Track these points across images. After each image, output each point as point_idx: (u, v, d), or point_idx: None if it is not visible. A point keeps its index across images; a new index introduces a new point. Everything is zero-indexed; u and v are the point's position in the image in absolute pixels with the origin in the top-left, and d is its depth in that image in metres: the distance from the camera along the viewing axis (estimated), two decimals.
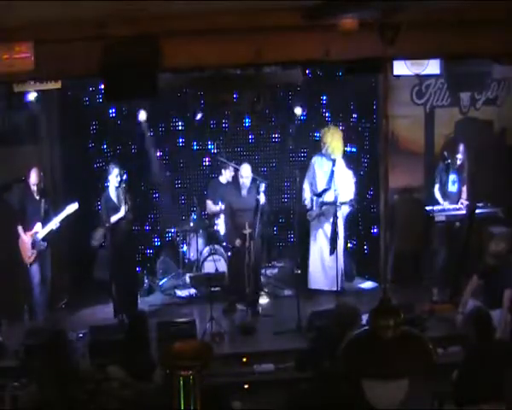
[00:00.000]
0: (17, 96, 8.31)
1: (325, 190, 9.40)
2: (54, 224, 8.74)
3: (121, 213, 8.80)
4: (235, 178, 9.49)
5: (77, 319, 9.14)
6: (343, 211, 9.47)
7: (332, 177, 9.39)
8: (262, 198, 8.87)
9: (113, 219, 8.81)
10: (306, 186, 9.56)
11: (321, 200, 9.43)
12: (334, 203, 9.27)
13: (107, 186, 9.00)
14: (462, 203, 9.21)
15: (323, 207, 9.40)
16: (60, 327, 7.43)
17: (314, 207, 9.48)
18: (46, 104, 9.24)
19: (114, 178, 8.87)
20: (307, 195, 9.54)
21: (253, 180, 9.16)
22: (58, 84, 7.96)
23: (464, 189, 9.28)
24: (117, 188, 8.89)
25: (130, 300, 9.04)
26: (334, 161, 9.42)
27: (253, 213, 8.83)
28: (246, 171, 9.04)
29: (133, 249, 9.63)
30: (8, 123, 9.06)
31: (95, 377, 5.22)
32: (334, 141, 9.42)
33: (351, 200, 9.41)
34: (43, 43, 6.29)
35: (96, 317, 9.11)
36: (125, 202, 8.79)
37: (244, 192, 9.04)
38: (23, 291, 8.92)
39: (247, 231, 8.70)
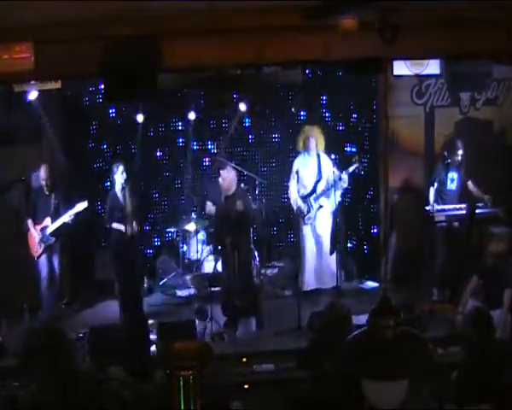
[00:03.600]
0: (17, 96, 8.31)
1: (317, 183, 9.32)
2: (62, 220, 8.75)
3: (122, 228, 8.72)
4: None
5: (77, 318, 9.14)
6: (336, 200, 9.23)
7: (320, 169, 9.30)
8: (240, 206, 8.37)
9: (115, 226, 8.79)
10: (294, 194, 9.40)
11: (315, 196, 9.34)
12: (328, 189, 9.22)
13: (113, 185, 8.95)
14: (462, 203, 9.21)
15: (320, 203, 9.30)
16: (60, 327, 7.41)
17: (310, 209, 9.38)
18: (46, 104, 9.23)
19: (120, 175, 8.81)
20: (299, 202, 9.37)
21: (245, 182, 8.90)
22: (58, 84, 7.97)
23: (463, 188, 9.26)
24: (123, 186, 8.82)
25: (134, 301, 8.98)
26: (319, 156, 9.34)
27: (237, 221, 8.37)
28: (225, 173, 8.56)
29: (135, 252, 9.50)
30: (8, 123, 9.05)
31: (95, 378, 5.21)
32: (319, 135, 9.34)
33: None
34: (43, 43, 6.30)
35: (96, 316, 9.11)
36: (130, 199, 8.72)
37: (222, 198, 8.59)
38: (26, 289, 8.92)
39: (228, 240, 8.35)
